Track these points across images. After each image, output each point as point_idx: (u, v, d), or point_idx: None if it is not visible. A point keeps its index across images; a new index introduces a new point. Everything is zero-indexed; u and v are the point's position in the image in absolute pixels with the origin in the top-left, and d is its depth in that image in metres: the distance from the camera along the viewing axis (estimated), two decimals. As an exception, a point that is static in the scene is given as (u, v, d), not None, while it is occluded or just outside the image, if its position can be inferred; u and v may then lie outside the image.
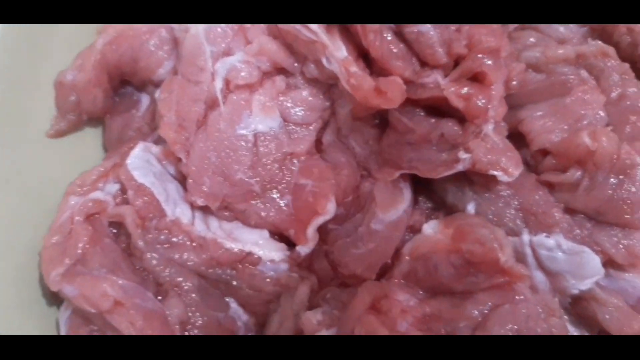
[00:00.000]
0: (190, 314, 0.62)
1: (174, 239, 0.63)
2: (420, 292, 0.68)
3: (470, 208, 0.69)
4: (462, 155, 0.64)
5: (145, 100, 0.72)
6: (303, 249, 0.67)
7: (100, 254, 0.60)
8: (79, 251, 0.59)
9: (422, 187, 0.74)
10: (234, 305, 0.66)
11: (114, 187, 0.64)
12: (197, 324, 0.62)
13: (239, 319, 0.66)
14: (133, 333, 0.57)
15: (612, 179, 0.65)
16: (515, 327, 0.62)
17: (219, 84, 0.64)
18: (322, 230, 0.69)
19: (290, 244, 0.68)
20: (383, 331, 0.59)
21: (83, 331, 0.60)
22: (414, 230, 0.71)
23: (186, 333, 0.62)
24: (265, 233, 0.67)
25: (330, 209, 0.65)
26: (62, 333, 0.61)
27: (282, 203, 0.67)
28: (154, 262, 0.62)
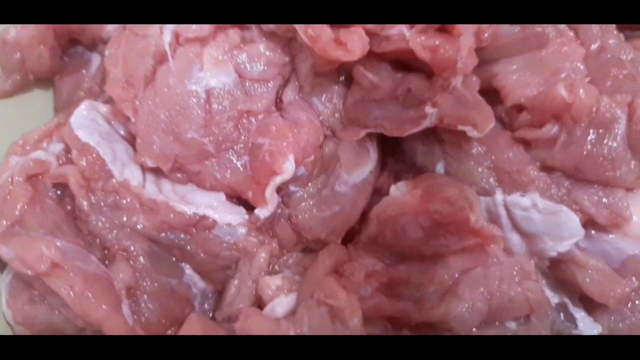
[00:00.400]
0: (140, 279, 0.59)
1: (123, 202, 0.60)
2: (388, 257, 0.65)
3: (440, 168, 0.65)
4: (429, 110, 0.60)
5: (95, 59, 0.69)
6: (262, 212, 0.63)
7: (40, 216, 0.57)
8: (17, 212, 0.56)
9: (390, 148, 0.70)
10: (189, 271, 0.63)
11: (57, 147, 0.61)
12: (147, 289, 0.59)
13: (194, 286, 0.63)
14: (72, 297, 0.53)
15: (591, 134, 0.61)
16: (487, 291, 0.58)
17: (167, 37, 0.60)
18: (284, 193, 0.65)
19: (249, 208, 0.65)
20: (342, 294, 0.56)
21: (24, 296, 0.57)
22: (382, 193, 0.68)
23: (134, 299, 0.58)
24: (222, 196, 0.64)
25: (288, 168, 0.61)
26: (3, 299, 0.58)
27: (238, 164, 0.63)
28: (100, 224, 0.59)
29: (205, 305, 0.64)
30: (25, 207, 0.56)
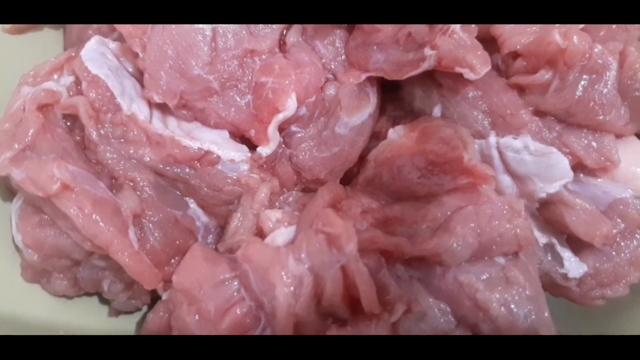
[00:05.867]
0: (145, 209, 0.61)
1: (130, 134, 0.62)
2: (384, 198, 0.67)
3: (437, 111, 0.67)
4: (428, 52, 0.62)
5: (105, -1, 0.70)
6: (264, 150, 0.65)
7: (51, 141, 0.58)
8: (29, 138, 0.57)
9: (390, 95, 0.72)
10: (193, 205, 0.65)
11: (68, 80, 0.63)
12: (153, 219, 0.61)
13: (198, 220, 0.65)
14: (81, 218, 0.55)
15: (583, 79, 0.63)
16: (478, 226, 0.60)
17: (175, -25, 0.62)
18: (285, 133, 0.68)
19: (252, 148, 0.67)
20: (339, 222, 0.58)
21: (34, 220, 0.59)
22: (380, 137, 0.70)
23: (140, 227, 0.60)
24: (225, 133, 0.66)
25: (291, 105, 0.63)
26: (13, 223, 0.60)
27: (242, 102, 0.65)
28: (108, 155, 0.61)
29: (208, 239, 0.66)
30: (37, 133, 0.58)
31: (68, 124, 0.63)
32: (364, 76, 0.67)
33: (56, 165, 0.55)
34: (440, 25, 0.63)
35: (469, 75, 0.62)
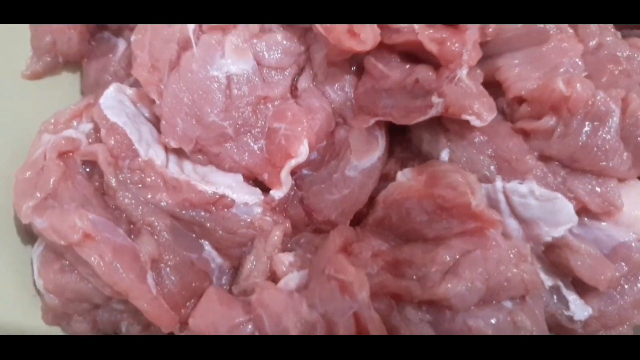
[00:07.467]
0: (163, 253, 0.63)
1: (147, 180, 0.64)
2: (393, 239, 0.68)
3: (444, 155, 0.69)
4: (435, 99, 0.64)
5: (121, 45, 0.73)
6: (277, 193, 0.67)
7: (72, 190, 0.60)
8: (50, 186, 0.59)
9: (398, 137, 0.74)
10: (208, 247, 0.67)
11: (87, 127, 0.65)
12: (170, 263, 0.63)
13: (212, 261, 0.67)
14: (102, 266, 0.57)
15: (586, 126, 0.64)
16: (486, 271, 0.62)
17: (191, 25, 0.64)
18: (297, 176, 0.69)
19: (265, 190, 0.69)
20: (351, 270, 0.59)
21: (55, 265, 0.61)
22: (389, 178, 0.71)
23: (158, 271, 0.62)
24: (239, 177, 0.67)
25: (303, 151, 0.65)
26: (35, 268, 0.62)
27: (255, 147, 0.67)
28: (127, 200, 0.63)
29: (223, 280, 0.68)
30: (58, 181, 0.60)
31: (87, 169, 0.64)
32: (372, 120, 0.68)
33: (78, 215, 0.57)
34: (447, 73, 0.65)
35: (475, 122, 0.64)
